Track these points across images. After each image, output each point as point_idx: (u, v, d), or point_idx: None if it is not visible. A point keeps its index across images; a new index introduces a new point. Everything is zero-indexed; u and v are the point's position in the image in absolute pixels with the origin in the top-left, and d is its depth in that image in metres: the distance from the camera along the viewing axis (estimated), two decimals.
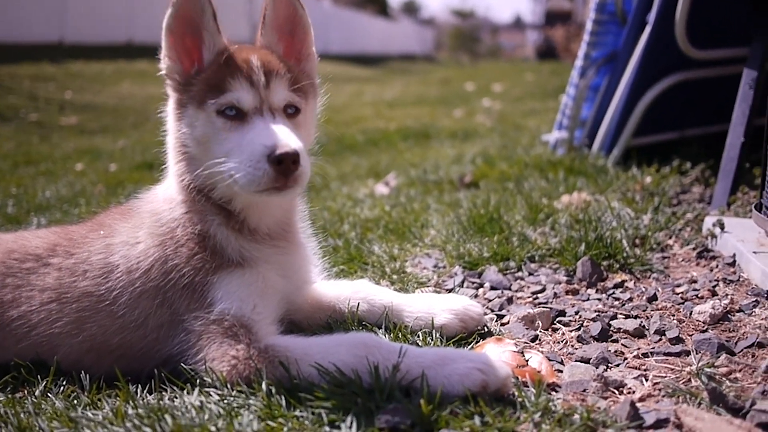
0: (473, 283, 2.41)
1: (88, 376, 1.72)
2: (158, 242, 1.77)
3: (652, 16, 3.87)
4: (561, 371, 1.72)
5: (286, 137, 1.67)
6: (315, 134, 1.99)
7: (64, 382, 1.74)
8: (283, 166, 1.64)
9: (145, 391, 1.63)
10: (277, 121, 1.74)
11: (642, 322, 2.01)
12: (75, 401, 1.63)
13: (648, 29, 3.90)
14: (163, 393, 1.61)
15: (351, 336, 1.65)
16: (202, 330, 1.66)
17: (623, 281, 2.37)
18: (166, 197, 1.85)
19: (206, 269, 1.72)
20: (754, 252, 2.36)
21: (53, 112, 9.96)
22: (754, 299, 2.11)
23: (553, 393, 1.60)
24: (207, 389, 1.55)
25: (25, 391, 1.73)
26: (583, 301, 2.23)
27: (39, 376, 1.76)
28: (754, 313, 2.02)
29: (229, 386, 1.55)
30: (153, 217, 1.83)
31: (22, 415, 1.54)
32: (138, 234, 1.83)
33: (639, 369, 1.72)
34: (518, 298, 2.27)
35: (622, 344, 1.89)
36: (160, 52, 1.83)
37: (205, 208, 1.79)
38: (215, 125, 1.74)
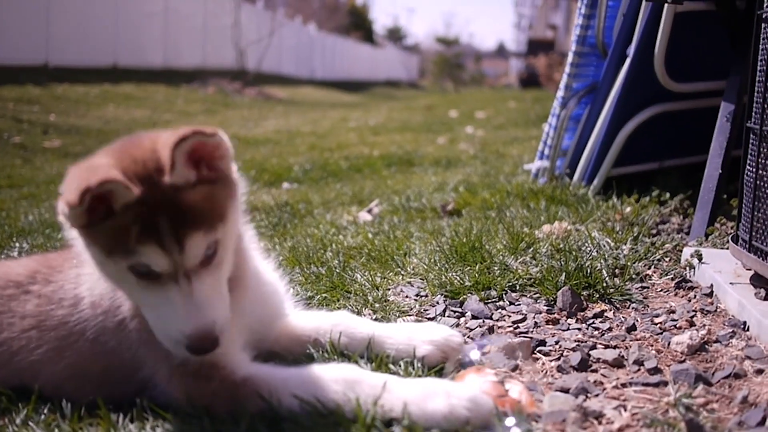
0: (455, 312, 2.43)
1: (69, 404, 1.72)
2: (112, 287, 1.73)
3: (632, 50, 3.94)
4: (541, 401, 1.74)
5: (203, 319, 1.53)
6: (239, 226, 1.75)
7: (45, 411, 1.74)
8: (201, 352, 1.55)
9: (126, 420, 1.63)
10: (194, 288, 1.55)
11: (621, 352, 2.03)
12: (56, 430, 1.63)
13: (628, 62, 3.97)
14: (146, 422, 1.61)
15: (332, 368, 1.64)
16: (170, 374, 1.65)
17: (603, 311, 2.40)
18: None
19: None
20: (731, 283, 2.40)
21: (37, 135, 9.93)
22: (731, 330, 2.14)
23: (534, 423, 1.62)
24: (189, 418, 1.56)
25: (6, 420, 1.72)
26: (563, 330, 2.25)
27: (20, 404, 1.76)
28: (730, 344, 2.05)
29: (210, 416, 1.55)
30: None
31: None
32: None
33: (618, 399, 1.74)
34: (499, 328, 2.29)
35: (601, 374, 1.91)
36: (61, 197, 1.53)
37: None
38: (127, 278, 1.55)
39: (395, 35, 70.90)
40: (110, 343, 1.74)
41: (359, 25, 47.31)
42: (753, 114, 2.43)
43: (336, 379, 1.57)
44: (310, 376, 1.61)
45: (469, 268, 2.77)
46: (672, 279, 2.69)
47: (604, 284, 2.53)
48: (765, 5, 2.38)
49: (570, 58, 4.52)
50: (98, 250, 1.53)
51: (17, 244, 3.64)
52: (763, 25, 2.39)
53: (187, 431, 1.51)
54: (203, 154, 1.55)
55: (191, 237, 1.52)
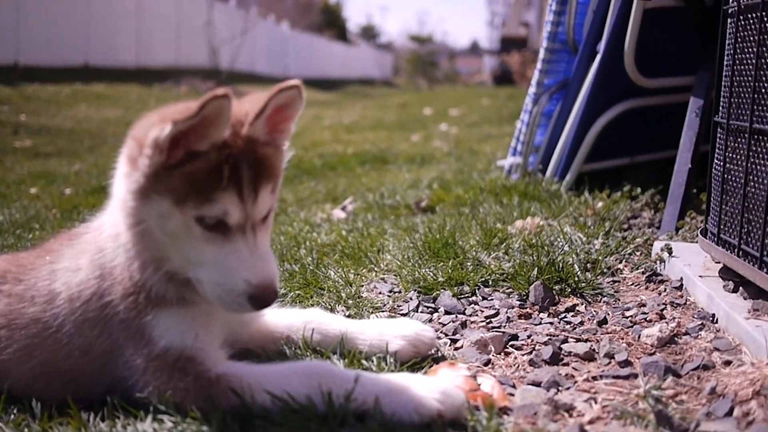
0: (428, 307, 2.44)
1: (39, 404, 1.70)
2: (98, 274, 1.72)
3: (602, 46, 3.98)
4: (513, 395, 1.75)
5: (269, 270, 1.58)
6: None
7: (15, 410, 1.72)
8: (263, 305, 1.58)
9: (97, 419, 1.62)
10: (258, 240, 1.58)
11: (592, 345, 2.05)
12: (26, 429, 1.62)
13: (598, 58, 4.00)
14: (116, 420, 1.59)
15: (304, 364, 1.64)
16: (146, 366, 1.63)
17: (575, 305, 2.42)
18: (111, 233, 1.72)
19: (141, 310, 1.65)
20: (700, 276, 2.43)
21: (7, 135, 9.81)
22: (700, 322, 2.17)
23: (505, 416, 1.63)
24: (160, 416, 1.55)
25: None
26: (536, 325, 2.27)
27: None
28: (699, 336, 2.08)
29: (182, 413, 1.54)
30: (96, 248, 1.75)
31: None
32: (80, 261, 1.78)
33: (589, 392, 1.76)
34: (472, 323, 2.30)
35: (572, 367, 1.93)
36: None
37: (149, 262, 1.67)
38: (191, 231, 1.55)
39: (369, 33, 70.87)
40: (91, 333, 1.72)
41: (332, 24, 47.28)
42: (720, 108, 2.46)
43: (308, 374, 1.57)
44: (282, 372, 1.60)
45: (442, 264, 2.78)
46: (643, 273, 2.71)
47: (576, 278, 2.55)
48: (731, 1, 2.40)
49: (541, 54, 4.55)
50: (167, 198, 1.52)
51: None
52: (729, 20, 2.42)
53: (158, 429, 1.50)
54: (278, 118, 1.62)
55: (264, 189, 1.58)
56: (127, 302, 1.67)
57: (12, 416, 1.70)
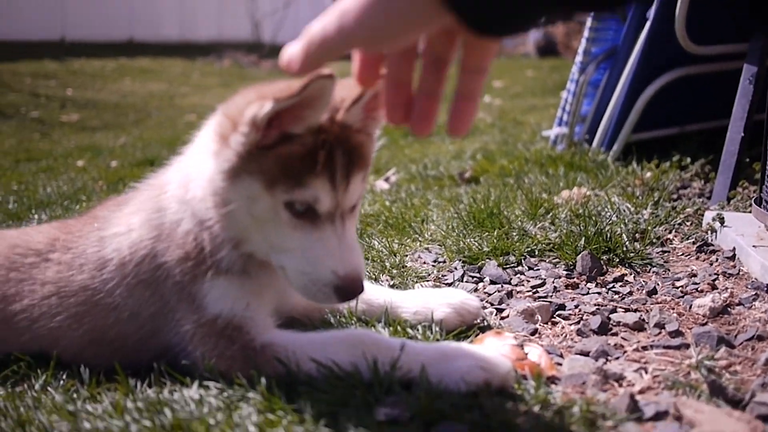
0: (473, 277, 2.41)
1: (87, 369, 1.72)
2: (154, 235, 1.71)
3: (652, 12, 3.87)
4: (560, 364, 1.72)
5: (356, 262, 1.54)
6: None
7: (64, 376, 1.74)
8: (349, 297, 1.54)
9: (144, 385, 1.63)
10: (346, 229, 1.54)
11: (642, 315, 2.01)
12: (74, 395, 1.63)
13: (648, 25, 3.90)
14: (163, 386, 1.61)
15: (349, 332, 1.63)
16: (194, 332, 1.63)
17: (623, 275, 2.37)
18: (177, 195, 1.71)
19: (199, 276, 1.64)
20: (754, 246, 2.37)
21: (54, 109, 9.96)
22: (753, 293, 2.11)
23: (553, 386, 1.60)
24: (206, 382, 1.55)
25: (25, 385, 1.73)
26: (583, 294, 2.23)
27: (39, 370, 1.77)
28: (753, 307, 2.02)
29: (227, 380, 1.55)
30: (154, 207, 1.73)
31: (21, 409, 1.54)
32: (132, 221, 1.77)
33: (638, 362, 1.72)
34: (518, 292, 2.27)
35: (621, 338, 1.89)
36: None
37: (228, 240, 1.64)
38: (279, 216, 1.51)
39: None
40: (141, 295, 1.71)
41: None
42: None
43: (354, 343, 1.56)
44: (327, 340, 1.59)
45: (487, 234, 2.75)
46: (693, 243, 2.65)
47: (624, 248, 2.50)
48: None
49: (589, 22, 4.45)
50: (258, 179, 1.49)
51: (36, 216, 3.65)
52: None
53: (204, 395, 1.51)
54: (373, 104, 1.54)
55: (356, 177, 1.53)
56: (184, 266, 1.66)
57: (61, 382, 1.72)
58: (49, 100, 10.72)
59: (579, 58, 4.49)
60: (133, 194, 1.88)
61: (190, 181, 1.66)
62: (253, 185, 1.50)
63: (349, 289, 1.51)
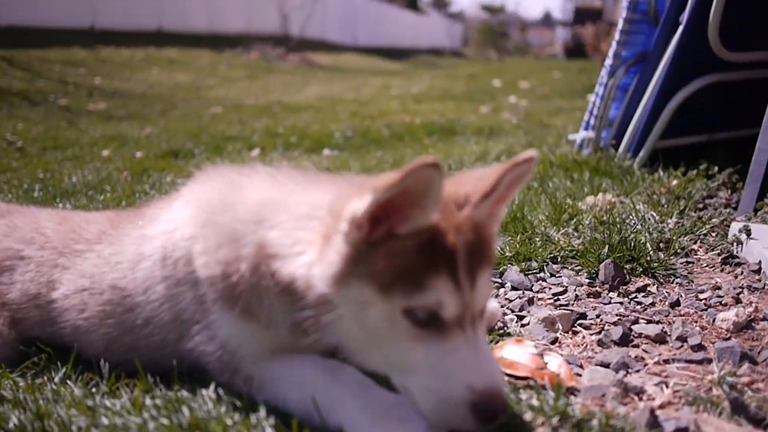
0: (494, 282, 2.40)
1: (107, 364, 1.72)
2: (203, 234, 1.57)
3: (685, 17, 3.83)
4: (580, 375, 1.71)
5: (495, 374, 1.32)
6: None
7: (84, 370, 1.75)
8: (490, 417, 1.29)
9: (163, 383, 1.63)
10: (478, 337, 1.33)
11: (664, 327, 1.99)
12: (93, 390, 1.64)
13: (680, 30, 3.85)
14: (183, 384, 1.61)
15: (327, 378, 1.45)
16: (206, 346, 1.58)
17: (646, 285, 2.35)
18: (253, 217, 1.50)
19: (220, 300, 1.53)
20: None
21: (82, 98, 10.05)
22: None
23: (572, 397, 1.59)
24: (223, 389, 1.55)
25: (45, 378, 1.74)
26: (605, 304, 2.21)
27: (59, 363, 1.77)
28: None
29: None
30: (215, 211, 1.58)
31: (41, 402, 1.55)
32: (180, 217, 1.65)
33: (659, 375, 1.71)
34: (539, 299, 2.25)
35: (643, 349, 1.87)
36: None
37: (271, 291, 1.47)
38: (397, 327, 1.30)
39: (440, 2, 70.19)
40: (178, 292, 1.61)
41: None
42: None
43: (324, 386, 1.44)
44: (303, 380, 1.47)
45: (509, 238, 2.73)
46: (718, 254, 2.62)
47: (648, 258, 2.48)
48: None
49: (620, 25, 4.41)
50: (368, 283, 1.29)
51: (60, 205, 3.68)
52: None
53: (222, 395, 1.51)
54: (502, 197, 1.39)
55: (482, 274, 1.33)
56: (216, 288, 1.54)
57: (81, 376, 1.73)
58: (77, 88, 10.82)
59: (609, 61, 4.45)
60: (189, 190, 1.73)
61: (267, 221, 1.48)
62: (364, 290, 1.30)
63: (489, 406, 1.27)
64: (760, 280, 2.35)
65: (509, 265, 2.49)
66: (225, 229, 1.52)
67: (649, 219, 2.91)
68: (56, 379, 1.71)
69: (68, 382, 1.69)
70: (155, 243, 1.70)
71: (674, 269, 2.45)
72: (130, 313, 1.73)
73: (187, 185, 1.76)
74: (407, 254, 1.28)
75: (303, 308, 1.39)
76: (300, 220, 1.41)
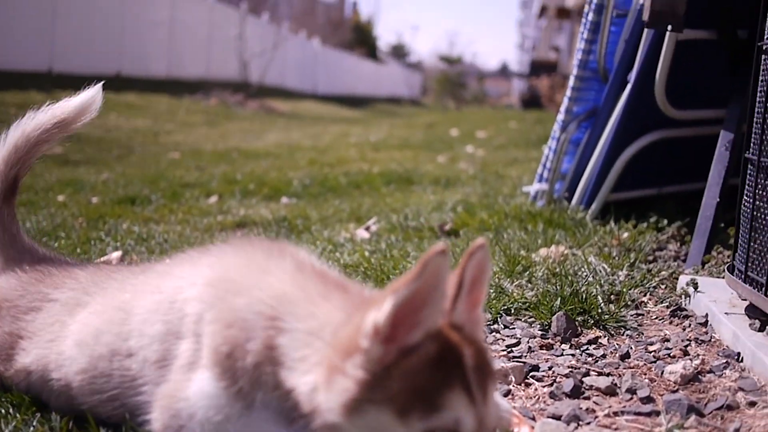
0: None
1: (58, 417, 1.70)
2: (219, 306, 1.53)
3: (633, 75, 3.96)
4: (533, 427, 1.73)
5: None
6: None
7: (35, 422, 1.72)
8: None
9: None
10: None
11: (614, 379, 2.03)
12: None
13: (629, 88, 3.99)
14: None
15: None
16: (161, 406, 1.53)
17: (597, 337, 2.40)
18: (267, 312, 1.45)
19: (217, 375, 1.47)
20: (726, 313, 2.40)
21: None
22: (724, 361, 2.14)
23: None
24: None
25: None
26: (557, 356, 2.25)
27: (15, 412, 1.75)
28: (724, 375, 2.05)
29: None
30: (231, 288, 1.53)
31: None
32: (201, 273, 1.62)
33: (609, 428, 1.74)
34: (493, 351, 2.28)
35: (593, 401, 1.91)
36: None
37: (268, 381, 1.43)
38: None
39: (399, 52, 71.10)
40: (173, 339, 1.55)
41: (363, 41, 47.48)
42: (751, 145, 2.44)
43: None
44: None
45: None
46: (667, 307, 2.69)
47: (600, 310, 2.53)
48: (765, 37, 2.39)
49: (571, 82, 4.54)
50: (385, 408, 1.22)
51: None
52: (763, 56, 2.40)
53: None
54: (472, 298, 1.33)
55: (491, 387, 1.28)
56: (217, 360, 1.47)
57: (32, 428, 1.70)
58: None
59: (561, 116, 4.56)
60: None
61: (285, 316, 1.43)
62: (381, 417, 1.22)
63: None
64: (706, 333, 2.41)
65: None
66: (238, 313, 1.47)
67: (600, 271, 2.98)
68: (6, 431, 1.68)
69: None
70: (173, 283, 1.64)
71: (625, 321, 2.51)
72: (123, 340, 1.65)
73: (219, 247, 1.74)
74: (420, 372, 1.22)
75: (300, 416, 1.35)
76: (310, 335, 1.37)
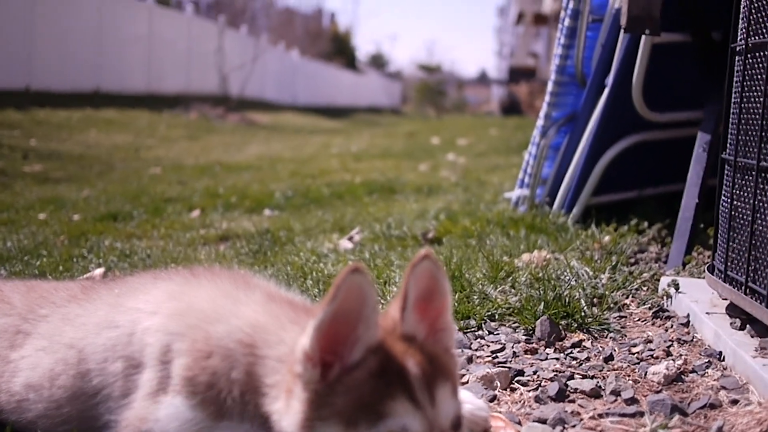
0: None
1: None
2: (191, 336, 1.54)
3: (610, 80, 4.00)
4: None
5: None
6: None
7: None
8: None
9: None
10: None
11: (598, 382, 2.05)
12: None
13: (606, 92, 4.02)
14: None
15: None
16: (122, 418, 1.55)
17: (581, 341, 2.42)
18: (247, 340, 1.48)
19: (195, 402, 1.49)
20: (707, 313, 2.43)
21: (17, 160, 9.87)
22: (706, 360, 2.16)
23: None
24: None
25: None
26: (542, 360, 2.26)
27: None
28: (706, 374, 2.07)
29: None
30: (205, 319, 1.55)
31: None
32: (163, 303, 1.64)
33: (594, 430, 1.75)
34: (478, 357, 2.29)
35: (578, 404, 1.92)
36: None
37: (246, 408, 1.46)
38: None
39: (378, 62, 71.34)
40: (134, 372, 1.56)
41: (342, 52, 47.56)
42: (728, 145, 2.47)
43: None
44: None
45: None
46: (649, 308, 2.71)
47: (583, 313, 2.55)
48: (739, 38, 2.42)
49: (550, 87, 4.57)
50: (334, 424, 1.28)
51: None
52: (737, 57, 2.44)
53: None
54: (429, 310, 1.39)
55: (441, 389, 1.32)
56: (194, 391, 1.49)
57: None
58: (11, 150, 10.63)
59: (540, 122, 4.60)
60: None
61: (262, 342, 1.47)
62: (332, 429, 1.29)
63: None
64: (688, 333, 2.43)
65: None
66: (218, 342, 1.49)
67: (582, 275, 3.00)
68: None
69: None
70: (129, 316, 1.64)
71: (608, 324, 2.53)
72: (85, 381, 1.65)
73: (180, 273, 1.74)
74: (362, 385, 1.28)
75: None
76: (279, 361, 1.41)
